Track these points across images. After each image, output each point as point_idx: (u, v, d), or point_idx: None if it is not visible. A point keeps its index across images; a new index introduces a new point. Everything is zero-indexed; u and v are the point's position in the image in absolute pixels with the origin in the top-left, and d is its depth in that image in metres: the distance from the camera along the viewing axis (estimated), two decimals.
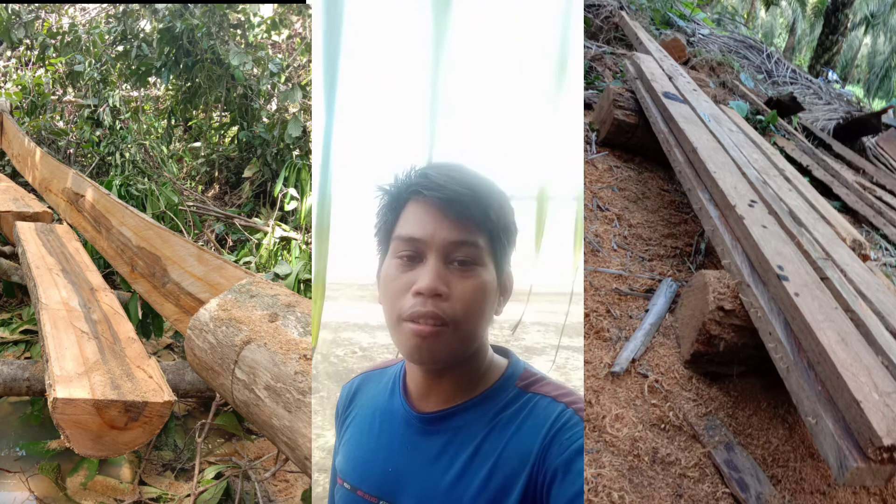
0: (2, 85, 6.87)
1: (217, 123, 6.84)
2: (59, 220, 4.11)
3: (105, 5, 7.06)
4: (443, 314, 0.83)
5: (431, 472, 0.87)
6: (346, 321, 7.32)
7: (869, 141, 5.22)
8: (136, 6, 6.20)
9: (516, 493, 0.81)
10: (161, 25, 5.73)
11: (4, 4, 6.17)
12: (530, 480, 0.81)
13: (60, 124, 6.51)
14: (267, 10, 6.40)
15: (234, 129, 6.41)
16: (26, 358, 3.45)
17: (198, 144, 6.84)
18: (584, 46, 5.40)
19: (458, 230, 0.84)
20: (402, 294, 0.85)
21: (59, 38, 6.37)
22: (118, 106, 6.04)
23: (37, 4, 6.60)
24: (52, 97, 6.54)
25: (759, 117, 4.75)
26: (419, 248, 0.85)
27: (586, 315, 2.51)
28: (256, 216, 5.72)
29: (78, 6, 7.36)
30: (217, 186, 6.52)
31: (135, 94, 6.93)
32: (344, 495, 0.95)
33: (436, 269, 0.84)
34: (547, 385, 0.88)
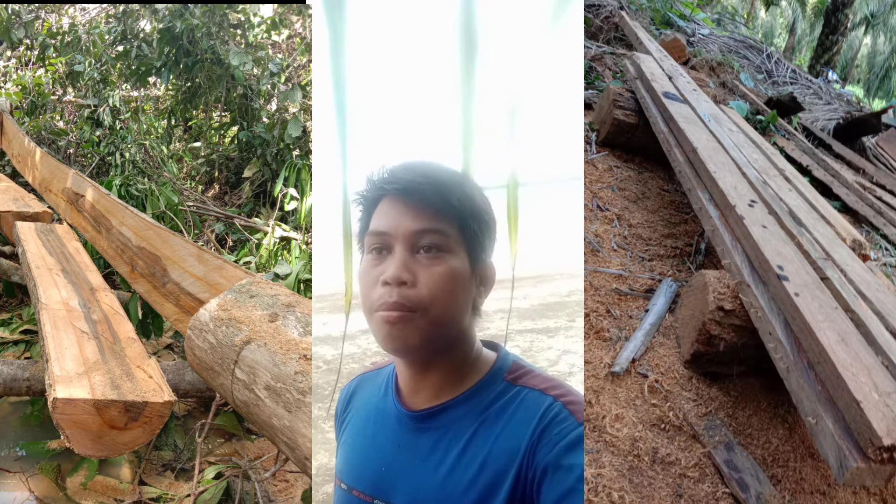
0: (2, 85, 6.87)
1: (217, 123, 6.85)
2: (59, 220, 4.11)
3: (105, 5, 7.05)
4: (408, 301, 0.84)
5: (423, 470, 0.87)
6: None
7: (869, 141, 5.22)
8: (136, 6, 6.20)
9: (505, 490, 0.81)
10: (161, 25, 5.73)
11: (4, 4, 6.16)
12: (519, 476, 0.80)
13: (60, 124, 6.51)
14: (267, 10, 6.40)
15: (234, 129, 6.41)
16: (26, 358, 3.45)
17: (198, 144, 6.84)
18: (584, 46, 5.39)
19: (420, 219, 0.86)
20: (373, 286, 0.87)
21: (59, 38, 6.36)
22: (118, 106, 6.03)
23: (37, 4, 6.59)
24: (52, 97, 6.54)
25: (759, 117, 4.74)
26: (386, 240, 0.87)
27: (586, 315, 2.51)
28: (256, 216, 5.72)
29: (78, 6, 7.36)
30: (217, 186, 6.52)
31: (135, 94, 6.93)
32: (340, 495, 0.96)
33: (401, 258, 0.86)
34: (536, 377, 0.88)
